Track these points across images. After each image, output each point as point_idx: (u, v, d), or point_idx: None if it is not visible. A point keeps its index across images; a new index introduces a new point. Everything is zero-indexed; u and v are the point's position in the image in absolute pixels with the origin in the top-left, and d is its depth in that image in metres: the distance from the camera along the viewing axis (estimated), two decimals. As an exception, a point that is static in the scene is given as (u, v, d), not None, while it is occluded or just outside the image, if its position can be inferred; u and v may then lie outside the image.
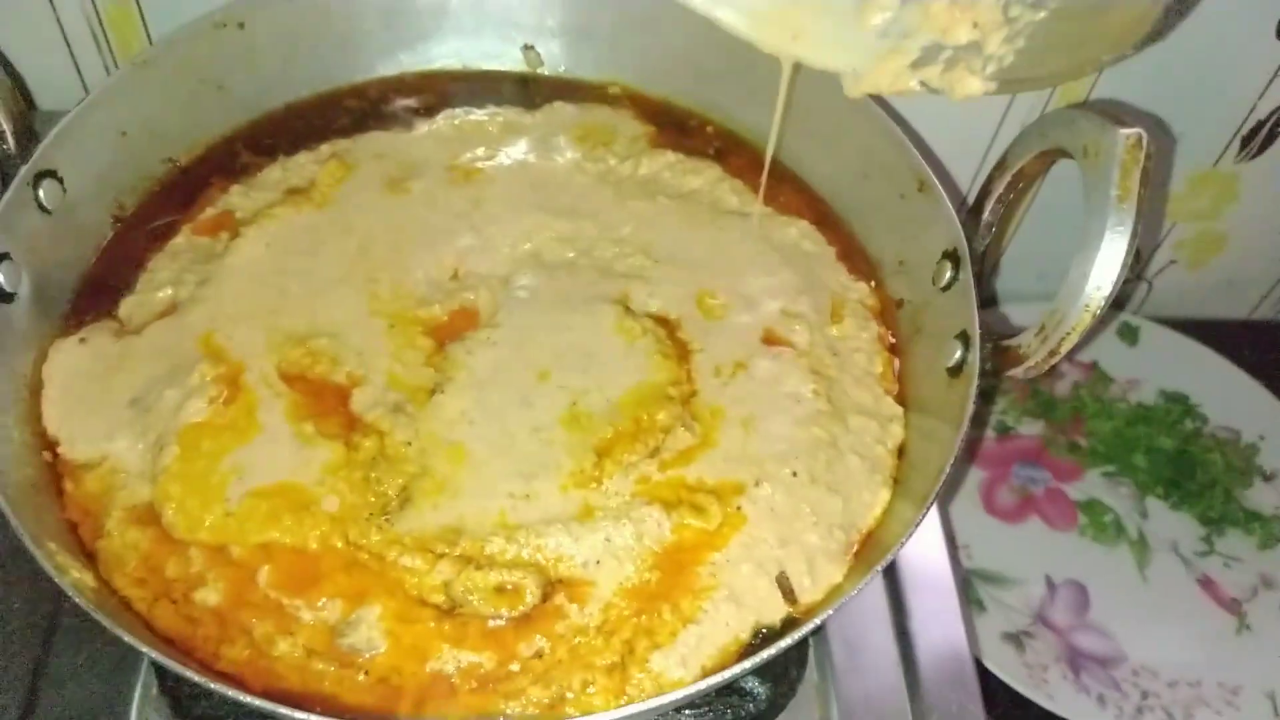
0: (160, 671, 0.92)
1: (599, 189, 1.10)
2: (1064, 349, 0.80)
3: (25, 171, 0.91)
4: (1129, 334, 1.53)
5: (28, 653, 0.92)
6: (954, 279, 0.93)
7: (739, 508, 0.86)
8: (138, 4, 1.19)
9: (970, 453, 1.41)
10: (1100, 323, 0.80)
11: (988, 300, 1.54)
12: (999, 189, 0.92)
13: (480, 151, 1.10)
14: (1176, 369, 1.49)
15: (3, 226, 0.88)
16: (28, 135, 0.93)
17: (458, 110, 1.13)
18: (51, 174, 0.94)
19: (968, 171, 1.37)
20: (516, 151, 1.12)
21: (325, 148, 1.10)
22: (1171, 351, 1.50)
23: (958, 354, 0.89)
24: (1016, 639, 1.26)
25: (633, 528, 0.84)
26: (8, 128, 0.92)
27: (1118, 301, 1.40)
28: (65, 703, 0.91)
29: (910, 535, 0.78)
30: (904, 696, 0.97)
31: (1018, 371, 0.84)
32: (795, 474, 0.88)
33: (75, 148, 0.96)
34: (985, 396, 0.83)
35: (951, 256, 0.94)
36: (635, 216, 1.07)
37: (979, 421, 0.93)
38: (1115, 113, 0.81)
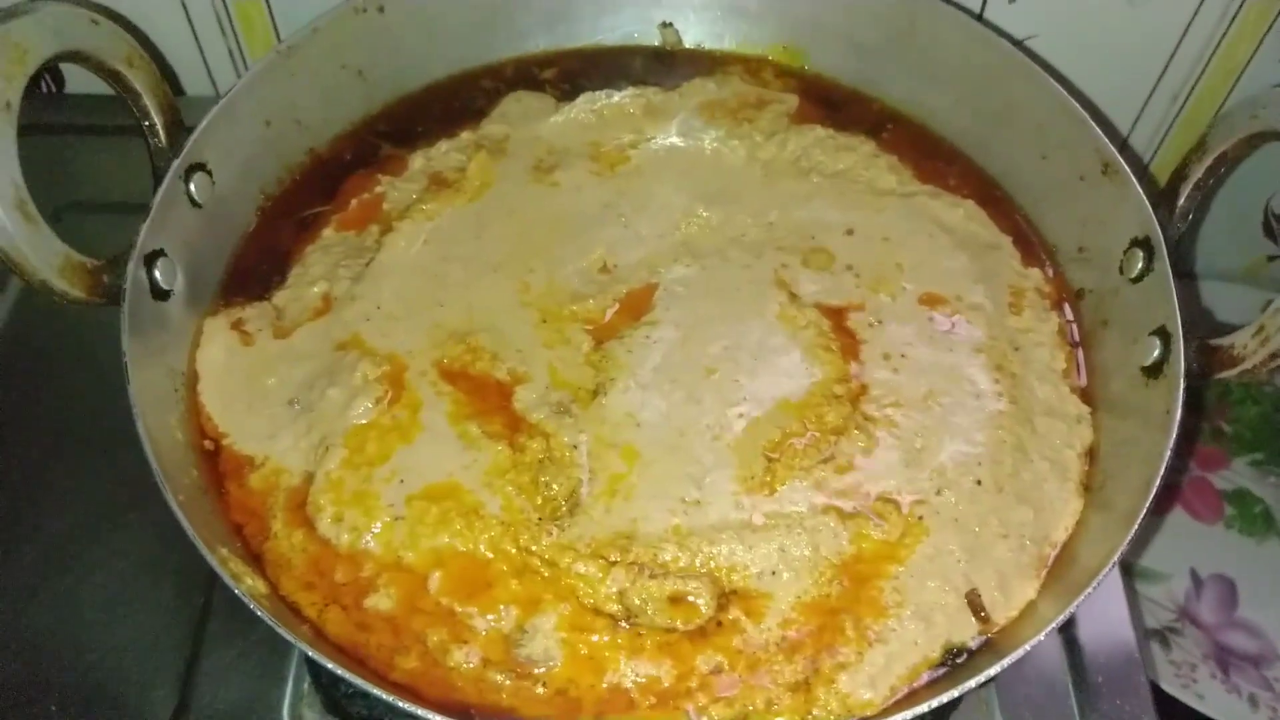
0: (313, 668, 0.91)
1: (747, 170, 1.06)
2: (1289, 350, 0.74)
3: (178, 165, 0.90)
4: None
5: (181, 647, 0.92)
6: (1147, 269, 0.88)
7: (920, 518, 0.82)
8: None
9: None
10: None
11: (1186, 274, 1.46)
12: (1197, 174, 0.86)
13: (626, 138, 1.07)
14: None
15: (158, 223, 0.87)
16: (178, 128, 0.92)
17: (598, 94, 1.10)
18: (201, 166, 0.93)
19: (1128, 113, 1.29)
20: (661, 135, 1.08)
21: (466, 134, 1.07)
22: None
23: (1156, 352, 0.84)
24: (1162, 636, 1.21)
25: (808, 538, 0.80)
26: (159, 120, 0.91)
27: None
28: (219, 697, 0.90)
29: (1119, 557, 0.73)
30: (1071, 705, 0.92)
31: (1231, 374, 0.78)
32: (980, 481, 0.83)
33: (223, 139, 0.95)
34: (1192, 402, 0.76)
35: (1143, 245, 0.88)
36: (788, 197, 1.03)
37: (1187, 431, 0.87)
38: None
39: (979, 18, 1.16)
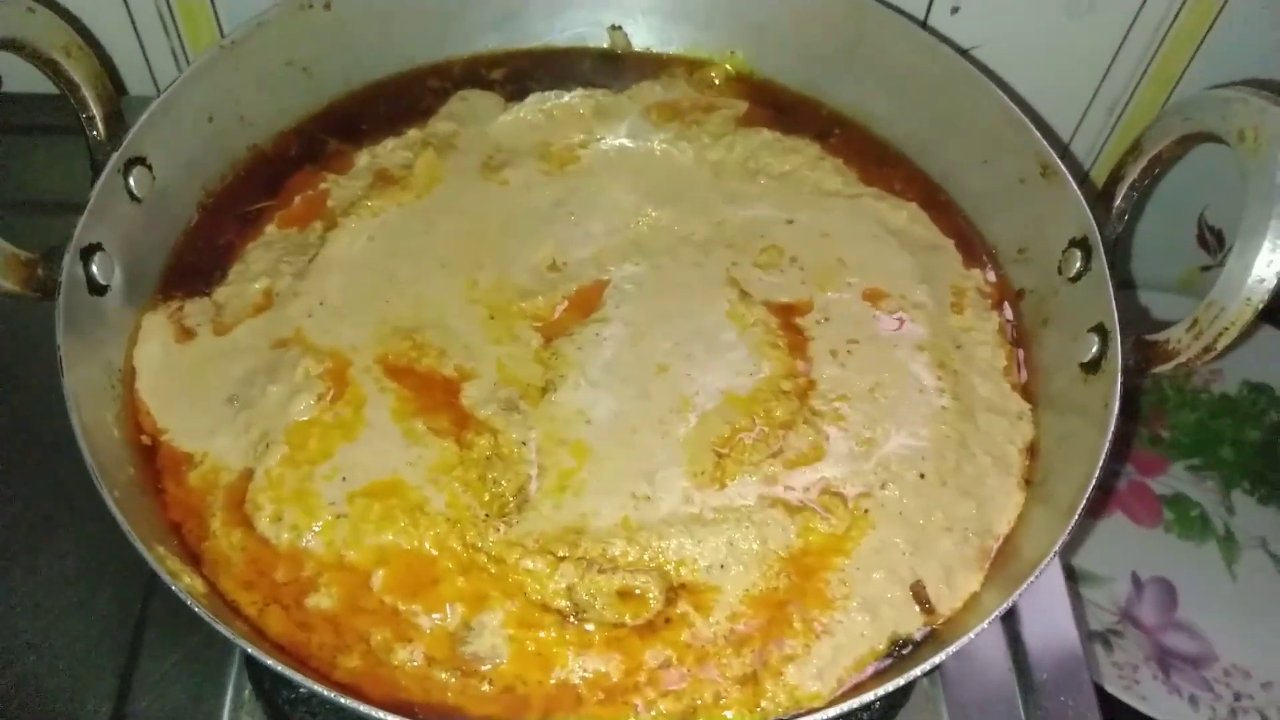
0: (255, 674, 0.89)
1: (696, 170, 1.06)
2: (1220, 345, 0.76)
3: (116, 159, 0.88)
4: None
5: (118, 654, 0.90)
6: (1085, 269, 0.89)
7: (866, 511, 0.83)
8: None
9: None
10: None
11: (1124, 283, 1.49)
12: (1133, 174, 0.88)
13: (576, 138, 1.07)
14: (1260, 359, 1.43)
15: (96, 216, 0.85)
16: (117, 121, 0.90)
17: (548, 94, 1.10)
18: (141, 160, 0.91)
19: (1068, 121, 1.32)
20: (611, 136, 1.08)
21: (413, 132, 1.07)
22: (1254, 341, 1.45)
23: (1094, 348, 0.85)
24: (1104, 638, 1.23)
25: (756, 531, 0.80)
26: (98, 113, 0.89)
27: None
28: (156, 705, 0.88)
29: (1058, 550, 0.74)
30: (1017, 703, 0.93)
31: (1166, 368, 0.80)
32: (923, 475, 0.84)
33: (164, 133, 0.93)
34: (1129, 408, 0.78)
35: (1081, 245, 0.90)
36: (736, 198, 1.03)
37: (1124, 435, 0.88)
38: (1271, 93, 0.76)
39: (924, 25, 1.18)
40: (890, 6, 1.05)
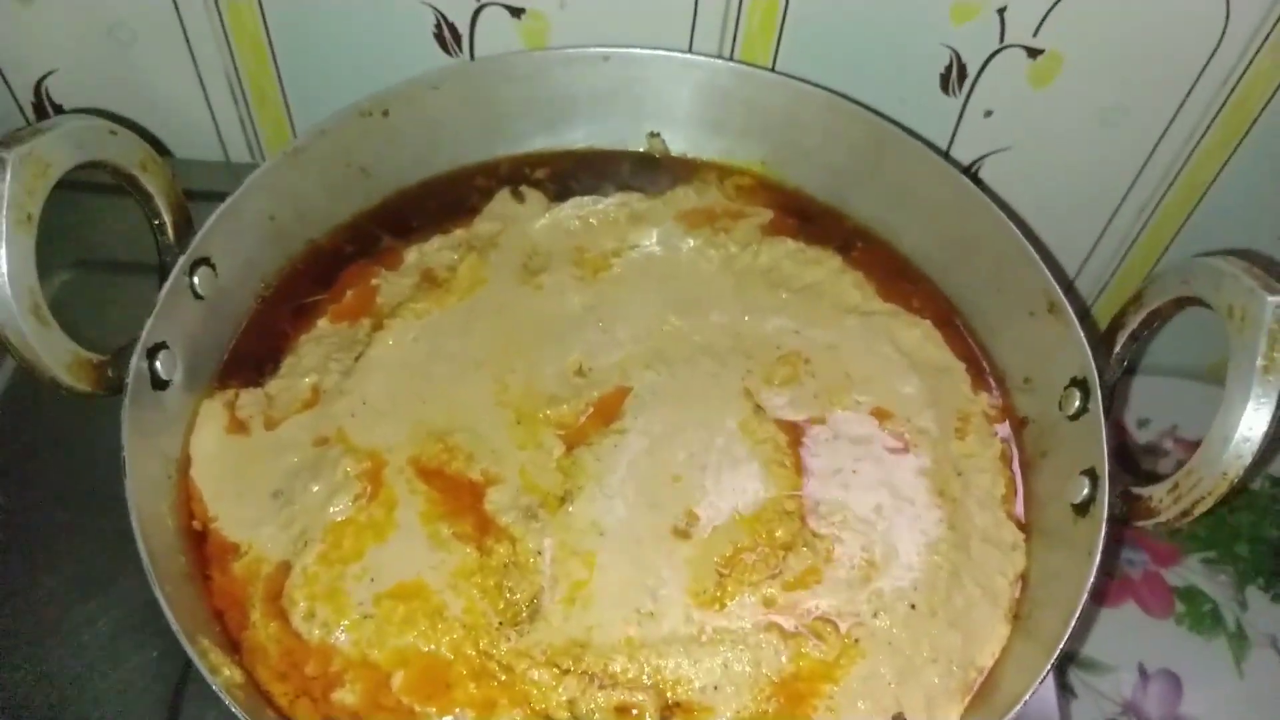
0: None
1: (720, 278, 1.11)
2: (1197, 512, 0.80)
3: (183, 262, 0.95)
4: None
5: (159, 709, 0.96)
6: (1082, 409, 0.93)
7: (857, 640, 0.87)
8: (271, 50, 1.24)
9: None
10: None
11: (1153, 369, 1.52)
12: (1133, 324, 0.91)
13: (609, 245, 1.12)
14: (1283, 454, 1.45)
15: (162, 317, 0.92)
16: (186, 226, 0.98)
17: (585, 199, 1.15)
18: (206, 261, 0.98)
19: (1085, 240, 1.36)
20: (644, 241, 1.14)
21: (460, 232, 1.13)
22: (1280, 437, 1.47)
23: (1085, 491, 0.88)
24: (1105, 728, 1.25)
25: (750, 654, 0.85)
26: (168, 220, 0.97)
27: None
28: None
29: (1036, 689, 0.78)
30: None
31: (1146, 525, 0.83)
32: (914, 606, 0.88)
33: (227, 234, 1.00)
34: (1117, 541, 0.82)
35: (1080, 385, 0.93)
36: (756, 308, 1.08)
37: (1107, 565, 0.92)
38: (1263, 273, 0.79)
39: (945, 154, 1.22)
40: (911, 133, 1.09)
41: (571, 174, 1.20)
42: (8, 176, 0.79)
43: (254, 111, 1.35)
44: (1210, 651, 1.33)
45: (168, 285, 0.94)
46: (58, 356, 0.85)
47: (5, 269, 0.79)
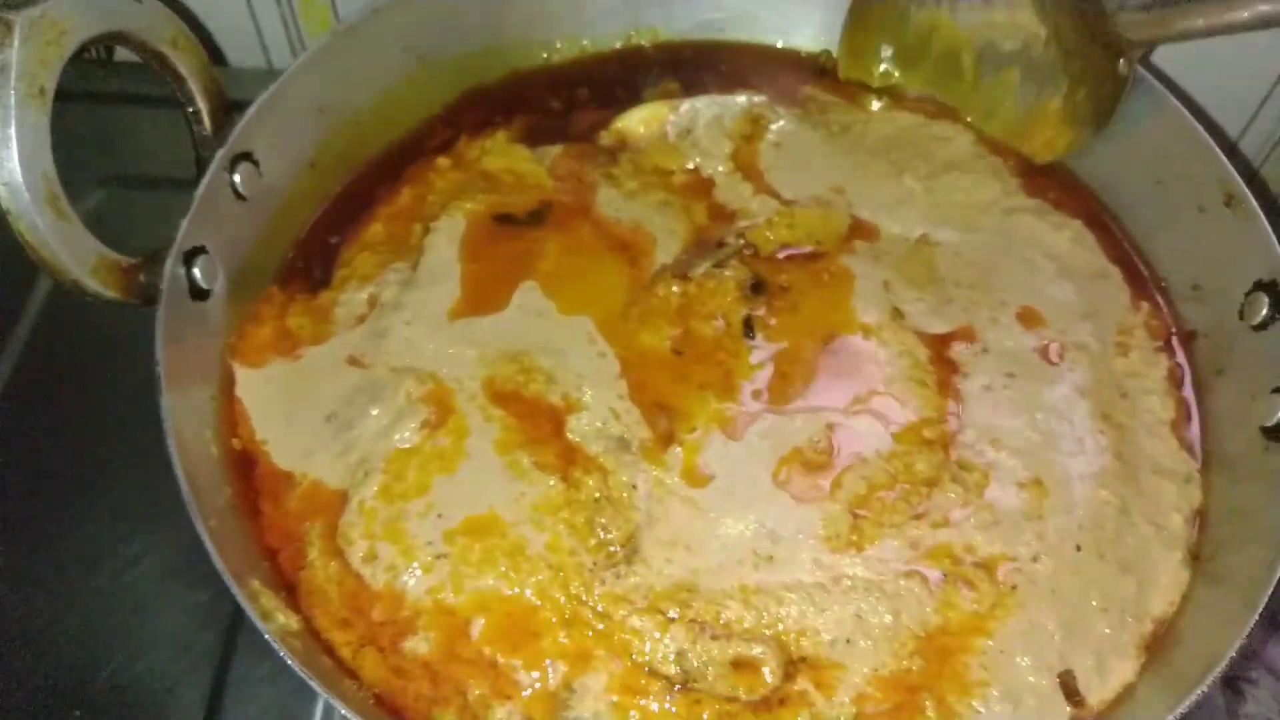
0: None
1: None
2: None
3: (222, 155, 0.84)
4: None
5: (212, 654, 0.88)
6: (1272, 317, 0.80)
7: (1014, 587, 0.75)
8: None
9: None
10: None
11: None
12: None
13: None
14: None
15: (200, 217, 0.82)
16: (224, 115, 0.87)
17: (700, 101, 1.02)
18: (248, 156, 0.87)
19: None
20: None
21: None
22: None
23: (1279, 412, 0.75)
24: (1234, 685, 1.12)
25: (889, 604, 0.73)
26: (204, 107, 0.86)
27: None
28: (248, 706, 0.86)
29: (1235, 648, 0.65)
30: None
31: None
32: (1079, 547, 0.76)
33: (272, 127, 0.89)
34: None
35: (1269, 289, 0.80)
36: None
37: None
38: None
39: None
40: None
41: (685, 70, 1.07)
42: (15, 41, 0.70)
43: (297, 9, 1.22)
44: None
45: (205, 181, 0.83)
46: (80, 257, 0.75)
47: (15, 149, 0.69)
